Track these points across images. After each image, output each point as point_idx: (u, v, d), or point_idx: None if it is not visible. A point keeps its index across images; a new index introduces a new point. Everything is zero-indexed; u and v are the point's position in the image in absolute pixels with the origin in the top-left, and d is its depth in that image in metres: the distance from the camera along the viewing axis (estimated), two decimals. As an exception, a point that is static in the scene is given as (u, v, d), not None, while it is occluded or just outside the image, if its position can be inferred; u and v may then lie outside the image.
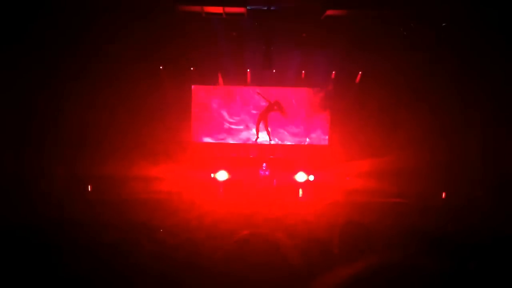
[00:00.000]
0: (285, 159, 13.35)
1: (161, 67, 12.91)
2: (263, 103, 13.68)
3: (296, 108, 13.99)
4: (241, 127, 13.96)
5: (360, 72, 13.10)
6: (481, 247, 2.38)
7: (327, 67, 13.04)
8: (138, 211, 7.24)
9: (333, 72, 13.31)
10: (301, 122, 14.02)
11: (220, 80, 13.57)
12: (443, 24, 9.39)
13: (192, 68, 13.18)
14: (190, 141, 13.80)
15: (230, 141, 13.97)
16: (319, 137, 14.06)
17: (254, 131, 13.85)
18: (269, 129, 13.75)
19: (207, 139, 13.96)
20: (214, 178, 13.02)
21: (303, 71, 13.30)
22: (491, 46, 9.76)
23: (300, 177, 13.13)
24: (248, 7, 9.82)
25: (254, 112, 13.80)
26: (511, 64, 9.87)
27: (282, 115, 13.67)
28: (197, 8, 9.94)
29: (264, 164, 12.90)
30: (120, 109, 11.99)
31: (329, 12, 9.80)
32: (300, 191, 12.78)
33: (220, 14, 10.14)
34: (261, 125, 13.75)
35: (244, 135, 13.99)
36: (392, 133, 12.52)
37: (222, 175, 13.03)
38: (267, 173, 12.89)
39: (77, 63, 10.74)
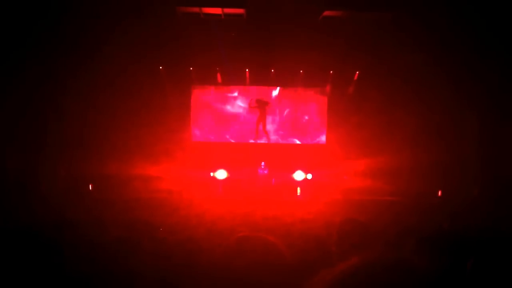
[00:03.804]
0: (283, 158, 13.39)
1: (160, 68, 12.94)
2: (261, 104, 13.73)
3: (294, 108, 14.05)
4: (240, 126, 14.01)
5: (357, 72, 13.15)
6: (477, 246, 2.40)
7: (324, 67, 13.07)
8: (139, 210, 7.29)
9: (331, 72, 13.35)
10: (299, 121, 14.07)
11: (219, 80, 13.60)
12: (440, 25, 9.43)
13: (191, 69, 13.21)
14: (190, 140, 13.84)
15: (229, 140, 14.01)
16: (317, 137, 14.11)
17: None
18: (267, 129, 13.78)
19: (206, 139, 14.00)
20: (214, 177, 13.06)
21: (301, 71, 13.33)
22: (488, 47, 9.81)
23: (298, 175, 13.17)
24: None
25: (252, 111, 13.85)
26: (507, 64, 9.93)
27: (265, 112, 13.69)
28: (195, 9, 9.97)
29: (263, 163, 12.95)
30: (121, 109, 12.02)
31: (326, 13, 9.85)
32: (298, 190, 12.82)
33: (219, 15, 10.17)
34: (260, 126, 13.80)
35: (243, 134, 14.03)
36: (389, 133, 12.57)
37: (221, 174, 13.07)
38: (265, 171, 12.94)
39: (77, 64, 10.76)
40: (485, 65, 10.20)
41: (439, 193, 11.47)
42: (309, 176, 13.19)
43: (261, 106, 13.63)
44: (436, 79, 11.26)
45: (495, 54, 9.93)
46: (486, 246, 2.40)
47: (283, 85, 13.76)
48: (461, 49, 10.07)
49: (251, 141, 13.87)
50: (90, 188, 11.64)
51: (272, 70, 13.27)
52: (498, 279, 1.94)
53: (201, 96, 14.01)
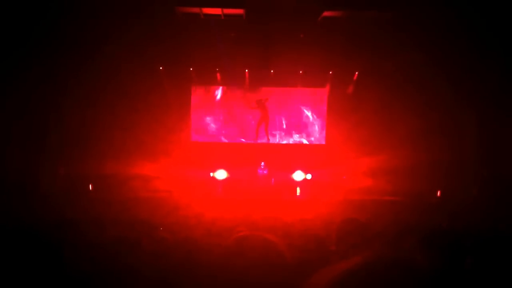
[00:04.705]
0: (283, 158, 13.39)
1: (160, 68, 12.95)
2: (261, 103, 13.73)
3: (293, 108, 14.05)
4: (239, 126, 14.02)
5: (356, 72, 13.15)
6: (476, 245, 2.40)
7: (324, 67, 13.07)
8: (139, 209, 7.30)
9: (330, 72, 13.36)
10: (298, 121, 14.07)
11: (219, 80, 13.60)
12: (440, 25, 9.43)
13: (191, 68, 13.22)
14: (189, 140, 13.85)
15: (229, 140, 14.01)
16: (316, 137, 14.11)
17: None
18: (267, 129, 13.79)
19: (206, 139, 14.00)
20: (213, 177, 13.06)
21: (300, 71, 13.33)
22: (488, 47, 9.82)
23: (298, 175, 13.18)
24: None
25: (251, 111, 13.85)
26: (507, 64, 9.94)
27: (267, 112, 13.70)
28: (196, 10, 9.98)
29: (263, 163, 12.95)
30: (120, 109, 12.02)
31: (326, 14, 9.85)
32: (298, 190, 12.82)
33: (219, 15, 10.17)
34: (261, 127, 13.81)
35: (243, 134, 14.03)
36: (388, 132, 12.56)
37: (221, 174, 13.07)
38: (265, 172, 12.94)
39: (77, 63, 10.77)
40: (485, 65, 10.21)
41: (438, 193, 11.48)
42: (309, 176, 13.19)
43: (261, 106, 13.63)
44: (436, 79, 11.26)
45: (495, 54, 9.93)
46: (485, 246, 2.40)
47: (283, 85, 13.75)
48: (461, 49, 10.07)
49: (251, 140, 13.86)
50: (90, 187, 11.64)
51: (272, 70, 13.27)
52: (497, 278, 1.94)
53: (201, 96, 14.02)
